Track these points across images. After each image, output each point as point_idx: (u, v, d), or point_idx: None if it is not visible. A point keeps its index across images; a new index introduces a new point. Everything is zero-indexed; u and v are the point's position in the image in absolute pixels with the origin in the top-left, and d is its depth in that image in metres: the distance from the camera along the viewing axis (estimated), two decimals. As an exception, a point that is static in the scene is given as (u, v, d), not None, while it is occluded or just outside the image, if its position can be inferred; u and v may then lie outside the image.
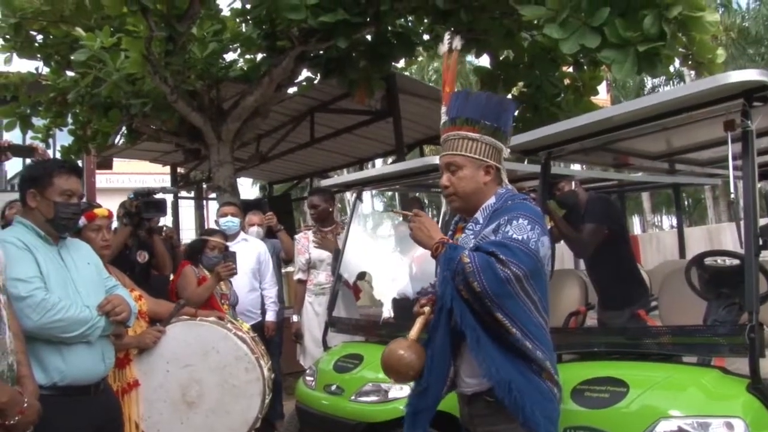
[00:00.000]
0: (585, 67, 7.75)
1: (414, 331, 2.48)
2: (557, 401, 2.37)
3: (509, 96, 8.09)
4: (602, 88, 10.88)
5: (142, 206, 4.44)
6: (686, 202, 34.16)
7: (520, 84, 8.07)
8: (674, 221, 34.20)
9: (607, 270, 4.78)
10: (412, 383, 2.57)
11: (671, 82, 24.87)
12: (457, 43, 2.65)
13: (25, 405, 2.09)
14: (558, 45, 4.79)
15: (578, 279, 4.89)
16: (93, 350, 2.81)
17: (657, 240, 14.92)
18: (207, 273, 4.56)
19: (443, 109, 2.61)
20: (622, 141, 3.95)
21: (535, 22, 5.52)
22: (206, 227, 13.85)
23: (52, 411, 2.28)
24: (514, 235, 2.26)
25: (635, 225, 35.59)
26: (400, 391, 3.82)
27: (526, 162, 5.84)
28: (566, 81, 8.01)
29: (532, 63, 7.60)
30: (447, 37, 2.67)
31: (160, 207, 4.57)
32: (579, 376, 3.06)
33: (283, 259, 6.37)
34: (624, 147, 4.27)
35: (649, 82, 27.56)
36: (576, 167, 6.69)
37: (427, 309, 2.51)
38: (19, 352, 2.24)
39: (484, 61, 8.41)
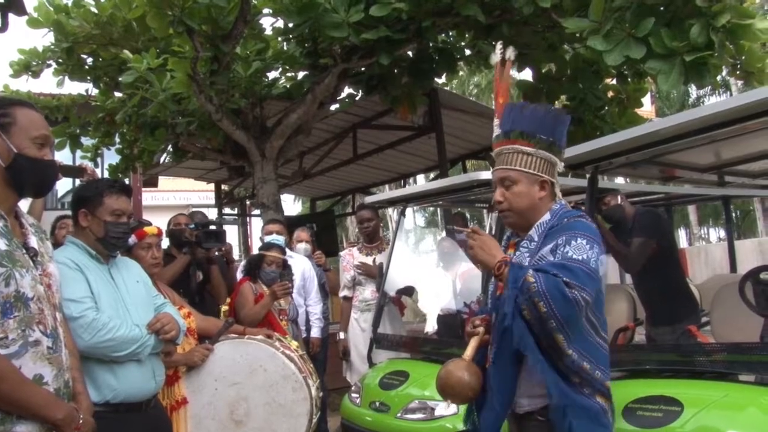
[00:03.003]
0: (629, 79, 7.65)
1: (469, 352, 2.45)
2: (611, 425, 2.30)
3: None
4: (646, 99, 10.71)
5: (202, 236, 4.51)
6: (734, 215, 33.35)
7: (563, 97, 8.00)
8: (722, 234, 33.42)
9: (655, 285, 4.68)
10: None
11: (717, 92, 24.37)
12: (510, 53, 2.61)
13: (81, 421, 2.12)
14: (602, 57, 4.73)
15: (626, 294, 4.81)
16: (144, 368, 2.84)
17: (705, 253, 14.58)
18: (265, 288, 4.59)
19: (495, 121, 2.55)
20: (670, 154, 3.87)
21: (578, 34, 5.46)
22: (249, 244, 14.04)
23: (105, 428, 2.30)
24: (574, 256, 2.20)
25: (682, 238, 34.85)
26: (447, 409, 3.78)
27: (570, 176, 5.79)
28: (610, 93, 7.92)
29: (575, 76, 7.52)
30: (499, 47, 2.63)
31: (219, 237, 4.63)
32: (630, 395, 2.99)
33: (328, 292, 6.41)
34: (672, 160, 4.18)
35: (694, 92, 27.06)
36: (619, 181, 6.59)
37: (481, 329, 2.48)
38: (75, 369, 2.26)
39: (527, 74, 8.37)
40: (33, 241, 2.18)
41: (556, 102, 8.11)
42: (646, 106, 13.69)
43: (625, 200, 4.92)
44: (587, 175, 4.03)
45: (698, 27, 4.34)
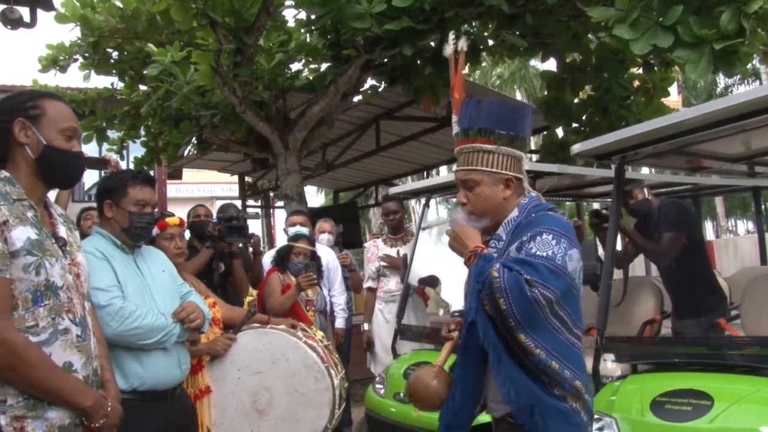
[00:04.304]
0: (656, 68, 7.55)
1: (441, 358, 2.37)
2: (584, 424, 2.16)
3: (576, 100, 7.96)
4: (673, 89, 10.58)
5: (225, 231, 4.53)
6: (764, 206, 32.83)
7: (588, 87, 7.92)
8: (750, 226, 32.91)
9: (682, 277, 4.62)
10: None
11: (746, 81, 23.96)
12: (463, 44, 2.46)
13: (109, 408, 2.14)
14: (628, 46, 4.66)
15: (653, 287, 4.76)
16: (170, 356, 2.87)
17: (734, 246, 14.39)
18: (292, 279, 4.62)
19: (454, 118, 2.40)
20: (697, 144, 3.82)
21: (604, 23, 5.39)
22: (273, 236, 14.10)
23: (132, 415, 2.33)
24: (538, 252, 2.09)
25: (708, 230, 34.41)
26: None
27: (595, 166, 5.73)
28: (636, 83, 7.82)
29: (600, 65, 7.44)
30: (452, 38, 2.46)
31: (242, 232, 4.65)
32: (658, 388, 2.95)
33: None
34: (700, 150, 4.13)
35: (722, 81, 26.63)
36: (644, 171, 6.52)
37: (455, 334, 2.38)
38: (103, 357, 2.29)
39: (550, 65, 8.30)
40: (62, 231, 2.21)
41: (581, 92, 8.04)
42: (673, 96, 13.52)
43: (650, 193, 4.86)
44: (613, 166, 3.98)
45: (729, 14, 4.25)
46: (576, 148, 3.92)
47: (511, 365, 2.09)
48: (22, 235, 1.99)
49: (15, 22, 5.09)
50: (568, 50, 7.63)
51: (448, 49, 2.47)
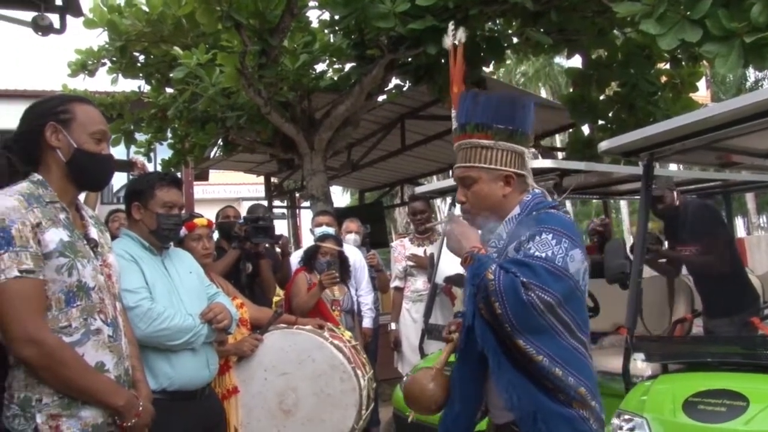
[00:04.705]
0: (683, 63, 7.44)
1: (440, 360, 2.30)
2: (592, 431, 2.05)
3: (602, 96, 7.89)
4: (701, 84, 10.43)
5: (251, 231, 4.55)
6: (795, 202, 32.25)
7: (614, 84, 7.83)
8: (783, 222, 32.35)
9: (712, 275, 4.55)
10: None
11: (777, 75, 23.57)
12: (461, 35, 2.35)
13: (141, 408, 2.16)
14: (655, 41, 4.60)
15: (683, 285, 4.70)
16: (198, 357, 2.90)
17: (766, 243, 14.12)
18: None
19: (453, 113, 2.30)
20: (727, 139, 3.75)
21: (630, 18, 5.32)
22: (299, 236, 14.16)
23: (161, 414, 2.35)
24: (537, 253, 1.97)
25: (740, 227, 33.90)
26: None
27: (622, 163, 5.66)
28: (663, 78, 7.72)
29: (627, 61, 7.35)
30: (450, 29, 2.36)
31: (268, 232, 4.67)
32: (690, 388, 2.90)
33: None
34: (729, 145, 4.06)
35: (752, 75, 26.21)
36: (672, 167, 6.43)
37: (455, 336, 2.29)
38: (134, 357, 2.32)
39: (576, 61, 8.22)
40: (93, 233, 2.24)
41: (607, 89, 7.96)
42: (701, 91, 13.34)
43: (676, 191, 4.80)
44: (641, 163, 3.93)
45: (760, 6, 4.16)
46: (603, 145, 3.88)
47: (512, 371, 2.00)
48: (55, 237, 2.02)
49: (46, 29, 5.17)
50: (593, 46, 7.56)
51: (447, 41, 2.38)
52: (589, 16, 6.78)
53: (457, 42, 2.36)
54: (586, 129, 9.07)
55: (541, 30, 6.68)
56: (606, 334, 4.77)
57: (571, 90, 8.69)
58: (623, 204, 26.27)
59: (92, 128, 2.17)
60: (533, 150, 2.30)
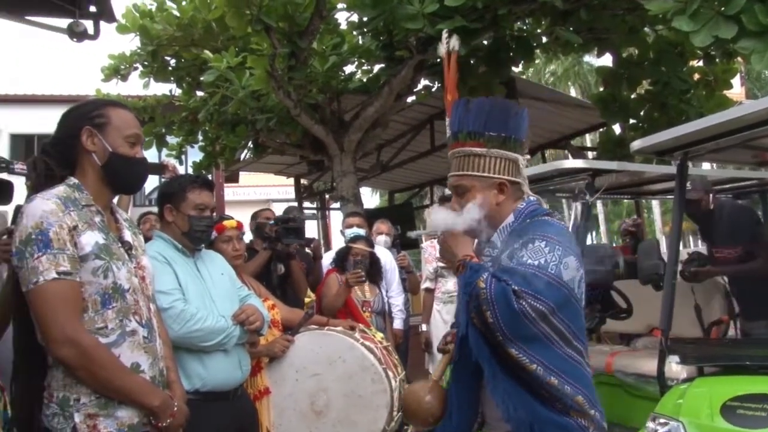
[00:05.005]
0: (717, 60, 7.33)
1: (437, 372, 2.29)
2: None
3: (634, 95, 7.80)
4: (735, 81, 10.26)
5: (282, 232, 4.58)
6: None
7: (645, 82, 7.74)
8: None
9: (750, 277, 4.47)
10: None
11: (814, 71, 23.07)
12: (455, 43, 2.35)
13: (175, 408, 2.19)
14: (688, 38, 4.53)
15: (718, 286, 4.62)
16: (230, 358, 2.92)
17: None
18: None
19: (447, 121, 2.29)
20: (764, 137, 3.67)
21: (661, 15, 5.25)
22: (329, 237, 14.20)
23: (195, 415, 2.37)
24: (529, 261, 1.95)
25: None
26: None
27: (654, 163, 5.59)
28: (696, 76, 7.62)
29: (658, 59, 7.26)
30: (445, 36, 2.36)
31: (298, 233, 4.69)
32: (728, 392, 2.84)
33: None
34: (766, 143, 3.98)
35: (789, 72, 25.68)
36: (705, 166, 6.33)
37: (452, 346, 2.26)
38: (168, 358, 2.34)
39: (606, 60, 8.14)
40: (127, 235, 2.27)
41: (638, 87, 7.87)
42: (735, 88, 13.11)
43: (710, 192, 4.73)
44: (674, 163, 3.87)
45: (797, 0, 4.10)
46: (636, 145, 3.83)
47: (507, 380, 1.97)
48: (90, 239, 2.05)
49: (80, 35, 5.25)
50: (624, 45, 7.48)
51: (442, 49, 2.37)
52: (619, 14, 6.71)
53: (451, 49, 2.36)
54: (617, 128, 8.98)
55: (571, 29, 6.63)
56: (639, 336, 4.71)
57: (601, 89, 8.61)
58: (655, 204, 25.94)
59: (127, 132, 2.20)
60: (528, 156, 2.26)
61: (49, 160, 2.17)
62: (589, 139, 20.57)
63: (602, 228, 29.74)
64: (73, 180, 2.15)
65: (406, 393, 2.31)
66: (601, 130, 9.86)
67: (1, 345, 2.46)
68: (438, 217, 2.27)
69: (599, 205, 24.27)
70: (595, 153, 10.49)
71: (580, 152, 11.41)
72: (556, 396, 1.94)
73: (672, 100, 7.24)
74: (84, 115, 2.18)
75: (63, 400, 2.01)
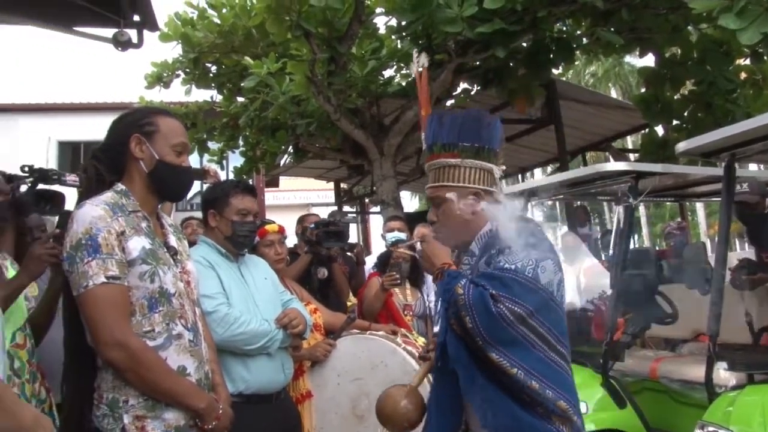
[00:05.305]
0: (765, 58, 7.16)
1: (417, 378, 2.28)
2: None
3: (677, 96, 7.67)
4: (785, 79, 9.99)
5: (323, 236, 4.60)
6: None
7: (689, 82, 7.61)
8: None
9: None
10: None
11: None
12: (424, 60, 2.41)
13: (221, 411, 2.21)
14: (734, 36, 4.44)
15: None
16: (273, 361, 2.95)
17: None
18: None
19: (422, 135, 2.34)
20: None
21: (706, 14, 5.14)
22: (369, 241, 14.23)
23: (240, 417, 2.39)
24: (506, 265, 1.97)
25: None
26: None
27: (699, 164, 5.48)
28: (742, 75, 7.45)
29: (703, 58, 7.13)
30: (415, 56, 2.44)
31: (340, 236, 4.70)
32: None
33: None
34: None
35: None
36: (752, 167, 6.18)
37: (432, 354, 2.28)
38: (213, 361, 2.37)
39: (648, 60, 8.01)
40: (172, 241, 2.31)
41: (682, 88, 7.74)
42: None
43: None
44: (721, 165, 3.78)
45: None
46: (681, 146, 3.75)
47: (486, 386, 1.97)
48: (137, 244, 2.09)
49: (125, 44, 5.36)
50: (667, 44, 7.36)
51: (414, 68, 2.41)
52: (662, 13, 6.61)
53: (420, 68, 2.37)
54: (659, 130, 8.83)
55: (612, 29, 6.54)
56: (685, 342, 4.62)
57: (643, 90, 8.48)
58: (699, 206, 25.44)
59: (174, 140, 2.24)
60: (503, 167, 2.29)
61: (99, 165, 2.23)
62: (630, 141, 20.26)
63: (644, 231, 29.24)
64: (120, 186, 2.20)
65: (383, 396, 2.30)
66: (643, 131, 9.71)
67: (46, 347, 2.52)
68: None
69: (641, 207, 23.87)
70: (636, 155, 10.34)
71: (621, 154, 11.26)
72: (537, 400, 1.94)
73: (717, 100, 7.10)
74: (134, 122, 2.22)
75: (112, 402, 2.05)
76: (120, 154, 2.21)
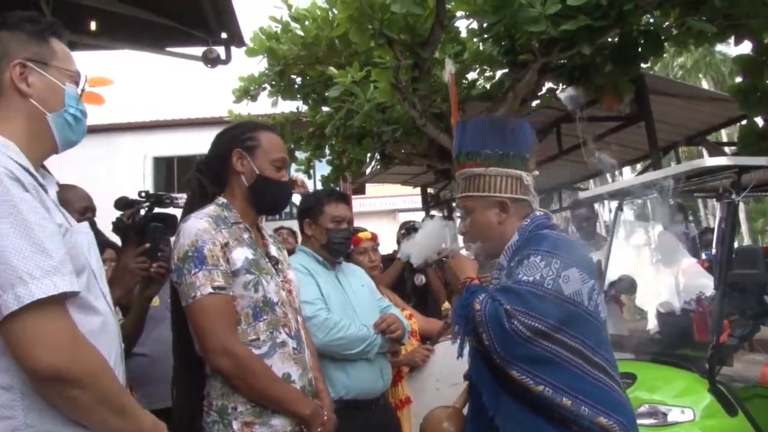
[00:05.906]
0: None
1: (460, 399, 2.24)
2: None
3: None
4: None
5: None
6: None
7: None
8: None
9: None
10: None
11: None
12: (451, 67, 2.35)
13: (325, 417, 2.25)
14: None
15: None
16: (373, 367, 2.99)
17: None
18: None
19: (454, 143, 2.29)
20: None
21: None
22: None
23: (341, 423, 2.42)
24: (524, 278, 1.88)
25: None
26: (681, 415, 3.53)
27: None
28: None
29: (805, 43, 6.76)
30: (447, 62, 2.36)
31: None
32: None
33: None
34: None
35: None
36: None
37: None
38: (316, 368, 2.41)
39: (744, 48, 7.65)
40: (273, 251, 2.37)
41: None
42: None
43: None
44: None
45: None
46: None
47: (511, 405, 1.89)
48: (241, 255, 2.15)
49: (214, 61, 5.56)
50: (765, 30, 7.00)
51: (446, 76, 2.40)
52: (759, -2, 6.30)
53: (449, 75, 2.34)
54: (759, 120, 8.42)
55: (703, 18, 6.28)
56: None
57: (739, 79, 8.10)
58: None
59: (274, 155, 2.30)
60: (535, 173, 2.21)
61: (203, 177, 2.31)
62: (725, 134, 19.42)
63: (744, 227, 27.98)
64: (221, 200, 2.27)
65: (426, 417, 2.30)
66: (740, 123, 9.29)
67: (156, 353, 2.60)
68: (404, 245, 2.31)
69: (740, 203, 22.84)
70: (732, 148, 9.90)
71: (717, 148, 10.80)
72: (571, 418, 1.84)
73: (822, 87, 6.72)
74: (236, 137, 2.30)
75: (222, 409, 2.11)
76: (222, 168, 2.29)
